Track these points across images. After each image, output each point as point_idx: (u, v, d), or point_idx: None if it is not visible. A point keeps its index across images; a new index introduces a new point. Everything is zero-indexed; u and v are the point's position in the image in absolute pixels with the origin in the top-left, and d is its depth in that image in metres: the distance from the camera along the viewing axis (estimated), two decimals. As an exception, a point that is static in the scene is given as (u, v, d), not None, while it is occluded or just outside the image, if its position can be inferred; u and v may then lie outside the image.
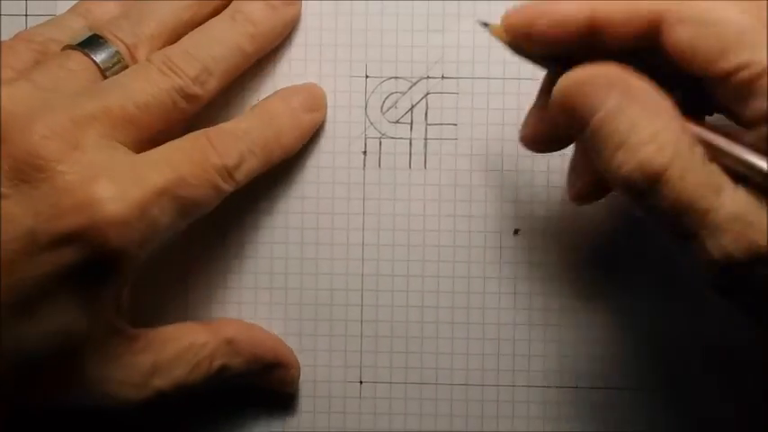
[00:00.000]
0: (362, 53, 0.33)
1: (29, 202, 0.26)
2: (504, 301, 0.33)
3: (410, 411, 0.33)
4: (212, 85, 0.30)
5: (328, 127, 0.33)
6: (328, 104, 0.33)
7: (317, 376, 0.33)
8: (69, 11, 0.32)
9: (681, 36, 0.24)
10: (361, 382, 0.33)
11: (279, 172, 0.33)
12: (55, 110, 0.27)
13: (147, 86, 0.29)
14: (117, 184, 0.26)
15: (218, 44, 0.31)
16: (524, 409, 0.33)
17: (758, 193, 0.24)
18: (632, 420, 0.33)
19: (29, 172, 0.26)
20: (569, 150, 0.33)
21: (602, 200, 0.33)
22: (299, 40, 0.34)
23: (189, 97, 0.29)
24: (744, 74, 0.24)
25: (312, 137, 0.33)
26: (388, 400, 0.33)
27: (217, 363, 0.31)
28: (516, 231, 0.33)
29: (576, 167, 0.29)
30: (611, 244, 0.33)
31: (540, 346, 0.33)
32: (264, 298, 0.34)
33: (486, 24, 0.27)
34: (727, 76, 0.24)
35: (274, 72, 0.34)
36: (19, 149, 0.26)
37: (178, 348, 0.30)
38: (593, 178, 0.29)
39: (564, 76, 0.25)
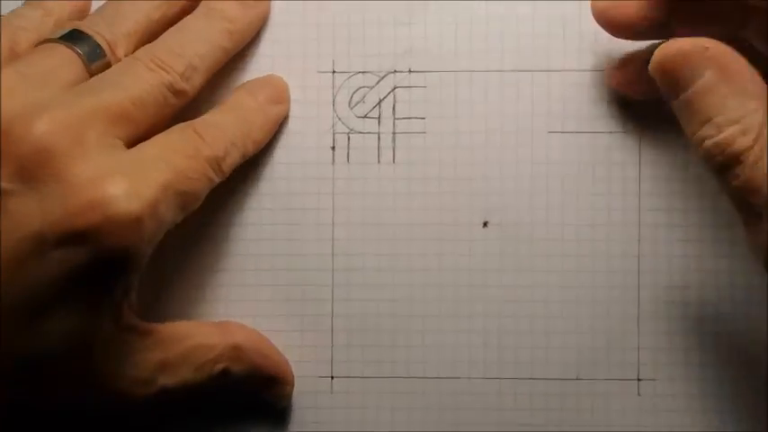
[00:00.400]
0: (330, 48, 0.33)
1: (36, 199, 0.26)
2: (474, 292, 0.33)
3: (382, 405, 0.33)
4: (197, 81, 0.30)
5: (296, 123, 0.33)
6: (296, 100, 0.33)
7: (288, 372, 0.33)
8: (24, 5, 0.32)
9: None
10: (332, 377, 0.33)
11: (248, 169, 0.33)
12: (55, 105, 0.27)
13: (139, 83, 0.29)
14: (128, 182, 0.26)
15: (200, 41, 0.31)
16: (497, 401, 0.33)
17: None
18: (605, 410, 0.33)
19: (34, 168, 0.26)
20: (542, 142, 0.33)
21: (571, 191, 0.33)
22: (266, 36, 0.34)
23: (177, 93, 0.30)
24: None
25: (280, 133, 0.33)
26: (361, 394, 0.33)
27: (219, 366, 0.31)
28: (486, 224, 0.33)
29: (625, 66, 0.32)
30: (582, 234, 0.33)
31: (511, 338, 0.33)
32: (236, 295, 0.33)
33: None
34: None
35: (243, 68, 0.34)
36: (24, 144, 0.26)
37: (187, 347, 0.30)
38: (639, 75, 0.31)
39: (666, 44, 0.27)
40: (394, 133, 0.33)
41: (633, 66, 0.32)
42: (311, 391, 0.33)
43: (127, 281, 0.28)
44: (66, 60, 0.29)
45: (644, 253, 0.33)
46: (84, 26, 0.30)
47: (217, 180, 0.30)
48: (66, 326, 0.27)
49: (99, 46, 0.30)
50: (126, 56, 0.30)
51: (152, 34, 0.31)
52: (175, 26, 0.31)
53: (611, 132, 0.33)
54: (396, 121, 0.33)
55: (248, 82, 0.33)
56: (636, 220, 0.33)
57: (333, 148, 0.33)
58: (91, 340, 0.27)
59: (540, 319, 0.33)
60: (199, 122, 0.30)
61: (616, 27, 0.30)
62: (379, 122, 0.33)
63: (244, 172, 0.33)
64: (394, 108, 0.33)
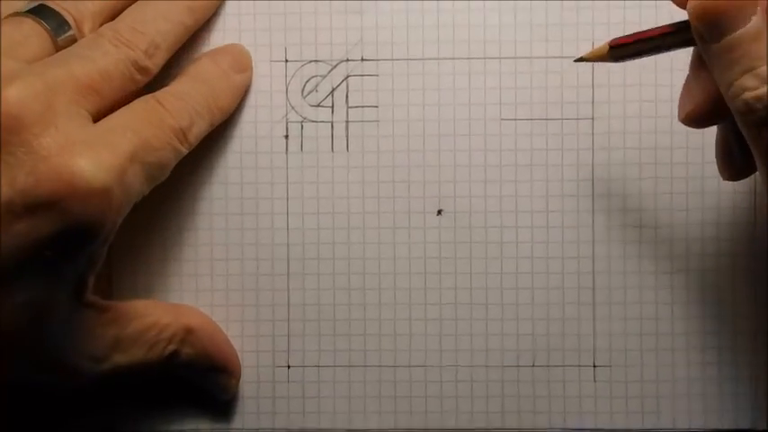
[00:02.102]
0: (282, 37, 0.33)
1: (4, 168, 0.25)
2: (428, 281, 0.33)
3: (339, 394, 0.33)
4: (160, 58, 0.30)
5: (250, 112, 0.33)
6: (249, 90, 0.33)
7: (244, 362, 0.33)
8: None
9: None
10: (288, 367, 0.33)
11: (202, 159, 0.33)
12: (25, 75, 0.27)
13: (106, 57, 0.29)
14: (95, 152, 0.26)
15: (162, 19, 0.31)
16: (453, 388, 0.33)
17: None
18: (561, 397, 0.33)
19: (2, 137, 0.26)
20: (495, 130, 0.33)
21: (525, 179, 0.33)
22: (218, 26, 0.33)
23: (141, 69, 0.30)
24: None
25: (233, 122, 0.33)
26: (317, 383, 0.33)
27: (170, 347, 0.31)
28: (440, 212, 0.33)
29: (690, 90, 0.28)
30: (535, 222, 0.33)
31: (467, 325, 0.33)
32: (190, 285, 0.33)
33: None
34: None
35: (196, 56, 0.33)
36: None
37: (142, 325, 0.30)
38: (707, 102, 0.27)
39: None
40: (347, 122, 0.33)
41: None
42: (268, 380, 0.33)
43: (94, 252, 0.28)
44: (34, 33, 0.29)
45: (598, 239, 0.33)
46: (51, 2, 0.30)
47: (184, 150, 0.30)
48: (28, 298, 0.27)
49: (66, 21, 0.29)
50: (91, 32, 0.30)
51: (115, 14, 0.31)
52: (137, 4, 0.31)
53: (564, 119, 0.33)
54: (349, 109, 0.33)
55: (210, 50, 0.33)
56: (590, 207, 0.33)
57: (286, 137, 0.33)
58: (51, 313, 0.27)
59: (495, 306, 0.33)
60: (161, 93, 0.30)
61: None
62: (332, 111, 0.33)
63: (196, 161, 0.33)
64: (347, 97, 0.33)
